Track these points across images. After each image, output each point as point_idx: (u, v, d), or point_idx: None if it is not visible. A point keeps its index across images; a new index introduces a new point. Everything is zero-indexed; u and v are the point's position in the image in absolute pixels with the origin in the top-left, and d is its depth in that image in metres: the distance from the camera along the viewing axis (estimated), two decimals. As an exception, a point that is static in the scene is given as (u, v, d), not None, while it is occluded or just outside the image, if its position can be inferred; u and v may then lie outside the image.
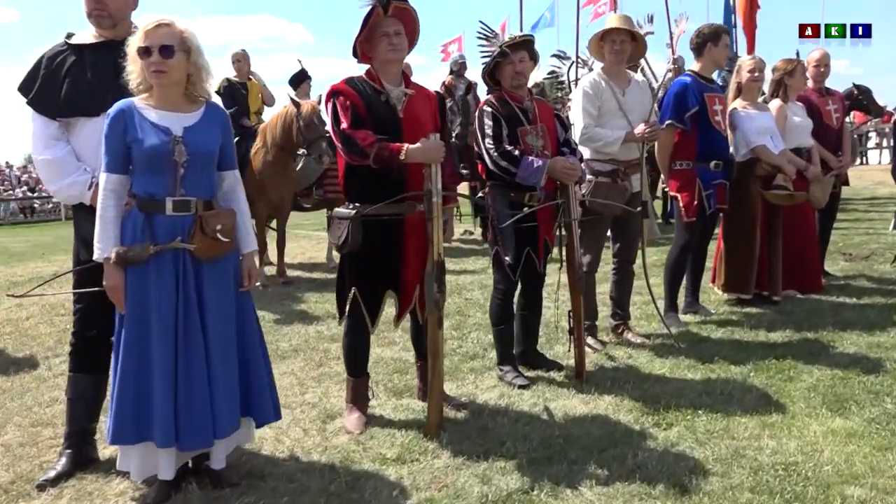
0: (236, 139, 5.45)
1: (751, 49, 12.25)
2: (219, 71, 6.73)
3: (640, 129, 4.30)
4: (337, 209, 3.42)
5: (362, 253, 3.28)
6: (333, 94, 3.29)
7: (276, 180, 7.02)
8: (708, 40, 4.88)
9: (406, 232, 3.31)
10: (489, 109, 3.88)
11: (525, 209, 3.78)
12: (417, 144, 3.14)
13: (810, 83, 5.98)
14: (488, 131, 3.82)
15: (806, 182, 5.35)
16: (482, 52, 10.93)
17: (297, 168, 7.04)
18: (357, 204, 3.29)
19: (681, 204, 4.91)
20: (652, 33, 12.27)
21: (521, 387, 3.79)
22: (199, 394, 2.62)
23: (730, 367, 3.93)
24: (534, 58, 4.00)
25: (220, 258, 2.73)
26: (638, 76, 4.61)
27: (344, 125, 3.19)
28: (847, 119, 6.55)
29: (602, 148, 4.36)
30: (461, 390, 3.83)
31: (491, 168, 3.80)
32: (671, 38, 12.70)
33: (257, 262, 6.54)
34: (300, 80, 8.73)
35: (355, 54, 3.37)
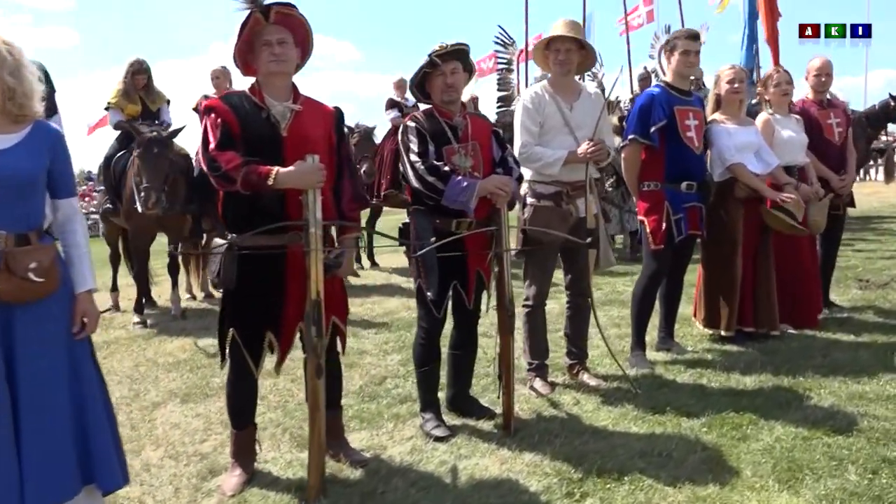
0: None
1: (776, 61, 11.56)
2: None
3: (582, 147, 3.84)
4: (215, 239, 3.05)
5: (240, 289, 2.90)
6: (206, 111, 2.93)
7: None
8: (667, 49, 4.39)
9: (288, 266, 2.92)
10: (413, 125, 3.47)
11: (451, 238, 3.36)
12: (290, 168, 2.75)
13: (810, 94, 5.42)
14: (413, 147, 3.41)
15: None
16: (499, 58, 10.29)
17: None
18: (233, 234, 2.92)
19: (647, 229, 4.41)
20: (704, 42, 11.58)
21: (437, 439, 3.36)
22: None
23: (681, 420, 3.42)
24: (468, 69, 3.58)
25: (38, 302, 2.37)
26: (591, 88, 4.13)
27: (211, 146, 2.83)
28: (883, 136, 5.84)
29: (542, 169, 3.91)
30: (373, 441, 3.41)
31: (416, 186, 3.38)
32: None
33: (105, 302, 6.21)
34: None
35: (237, 65, 3.01)
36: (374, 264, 9.22)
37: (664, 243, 4.34)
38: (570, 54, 3.92)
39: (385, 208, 9.13)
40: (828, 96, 5.48)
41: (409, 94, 9.22)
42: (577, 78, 4.10)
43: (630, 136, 4.40)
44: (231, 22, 2.92)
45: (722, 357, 4.41)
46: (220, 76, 7.61)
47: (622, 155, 4.48)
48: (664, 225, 4.32)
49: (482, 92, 11.41)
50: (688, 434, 3.25)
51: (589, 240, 3.91)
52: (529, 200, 4.00)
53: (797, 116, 5.15)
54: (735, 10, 12.05)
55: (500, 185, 3.36)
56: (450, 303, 3.51)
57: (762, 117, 4.99)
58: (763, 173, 4.60)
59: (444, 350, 3.65)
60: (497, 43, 10.00)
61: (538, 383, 4.01)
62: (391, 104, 9.15)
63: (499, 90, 10.13)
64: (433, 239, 3.34)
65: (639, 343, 4.45)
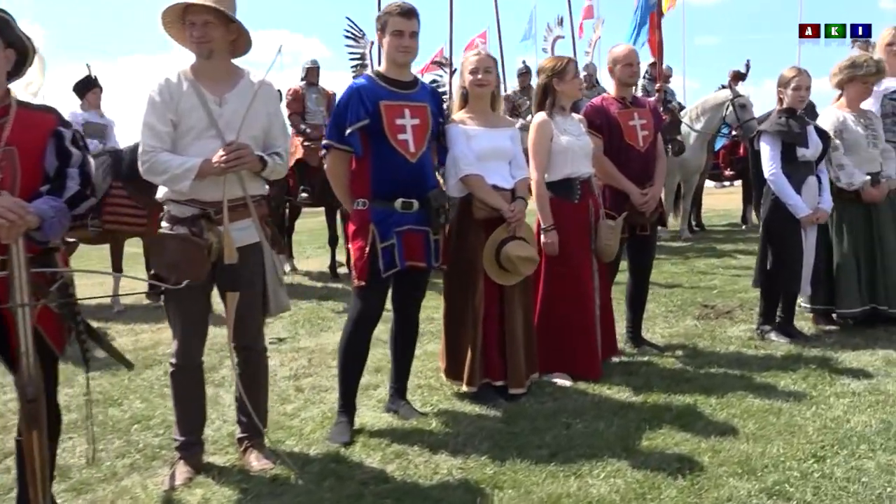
0: None
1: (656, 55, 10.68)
2: None
3: (217, 155, 2.85)
4: None
5: None
6: None
7: None
8: (378, 28, 3.42)
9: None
10: None
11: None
12: None
13: (612, 89, 4.48)
14: None
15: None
16: (350, 53, 8.57)
17: None
18: None
19: (352, 260, 3.43)
20: (562, 37, 10.65)
21: None
22: None
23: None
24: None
25: None
26: (256, 76, 3.10)
27: None
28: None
29: (169, 183, 2.91)
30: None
31: None
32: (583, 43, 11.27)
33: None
34: (87, 87, 7.44)
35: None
36: None
37: (367, 279, 3.35)
38: (208, 29, 2.91)
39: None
40: (635, 93, 4.56)
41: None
42: (235, 62, 3.09)
43: (325, 142, 3.43)
44: None
45: (444, 424, 3.44)
46: None
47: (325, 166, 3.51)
48: (367, 254, 3.34)
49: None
50: None
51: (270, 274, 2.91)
52: (164, 226, 3.01)
53: (579, 117, 4.21)
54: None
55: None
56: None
57: (538, 118, 4.05)
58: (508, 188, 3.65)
59: None
60: (347, 37, 9.00)
61: (181, 470, 3.00)
62: None
63: (356, 87, 9.14)
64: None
65: (345, 407, 3.45)
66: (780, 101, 4.52)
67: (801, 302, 4.89)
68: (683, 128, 9.99)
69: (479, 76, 3.65)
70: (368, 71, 9.46)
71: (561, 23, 10.91)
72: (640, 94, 11.40)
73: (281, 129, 3.16)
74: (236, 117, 2.91)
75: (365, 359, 3.49)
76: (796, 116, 4.47)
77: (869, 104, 4.91)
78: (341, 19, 8.83)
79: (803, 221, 4.40)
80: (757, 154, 4.53)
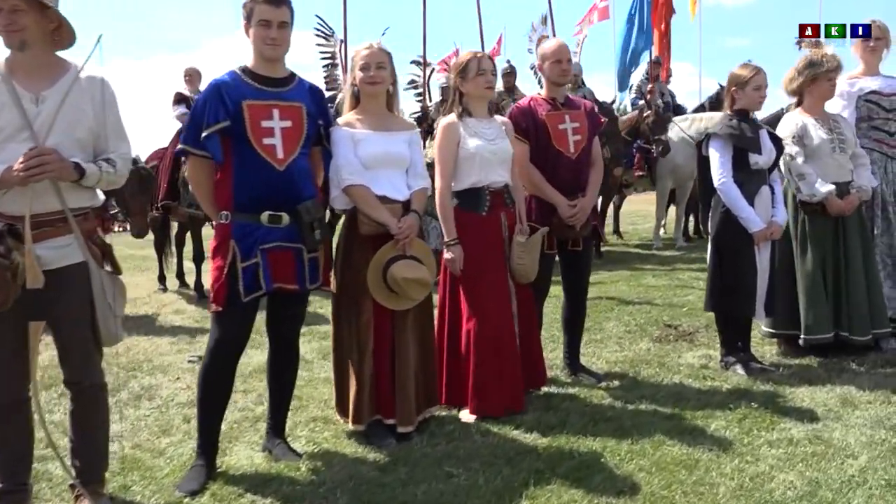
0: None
1: (660, 51, 10.18)
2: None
3: (18, 162, 2.45)
4: None
5: None
6: None
7: None
8: (244, 18, 3.01)
9: None
10: None
11: None
12: None
13: (544, 90, 4.02)
14: None
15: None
16: (321, 52, 8.32)
17: None
18: None
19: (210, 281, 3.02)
20: (546, 36, 10.25)
21: None
22: None
23: None
24: None
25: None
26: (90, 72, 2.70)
27: None
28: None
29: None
30: None
31: None
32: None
33: None
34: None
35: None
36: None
37: (224, 304, 2.93)
38: (17, 16, 2.50)
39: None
40: (567, 93, 4.10)
41: (203, 87, 7.97)
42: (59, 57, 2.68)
43: (179, 147, 3.02)
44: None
45: (313, 473, 3.01)
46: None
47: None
48: (225, 275, 2.93)
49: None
50: None
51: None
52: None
53: (503, 120, 3.77)
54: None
55: None
56: None
57: (443, 121, 3.61)
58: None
59: None
60: (318, 35, 8.65)
61: None
62: (179, 98, 7.78)
63: (327, 89, 8.77)
64: None
65: (204, 449, 3.02)
66: (732, 101, 4.03)
67: (763, 326, 4.38)
68: (676, 132, 9.49)
69: (371, 73, 3.22)
70: (338, 71, 9.22)
71: (545, 21, 10.42)
72: (633, 93, 10.93)
73: (116, 131, 2.74)
74: (61, 118, 2.52)
75: (227, 393, 3.08)
76: (748, 119, 3.97)
77: (840, 108, 4.39)
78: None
79: (756, 237, 3.90)
80: (705, 160, 4.03)
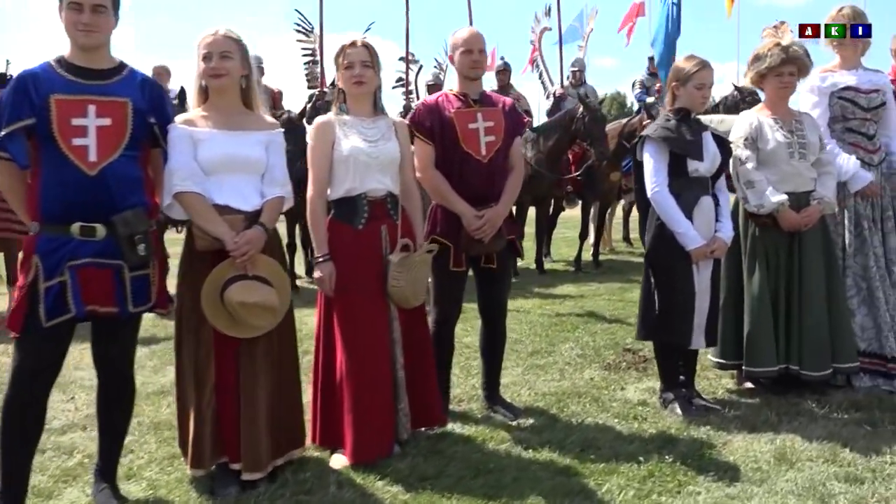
0: None
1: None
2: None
3: None
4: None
5: None
6: None
7: None
8: None
9: None
10: None
11: None
12: None
13: (456, 85, 3.54)
14: None
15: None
16: (302, 49, 8.01)
17: None
18: None
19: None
20: (549, 28, 9.67)
21: None
22: None
23: None
24: None
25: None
26: None
27: None
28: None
29: None
30: None
31: None
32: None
33: None
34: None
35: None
36: None
37: (21, 330, 2.52)
38: None
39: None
40: (483, 88, 3.60)
41: (172, 85, 7.67)
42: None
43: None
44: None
45: None
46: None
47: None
48: (24, 295, 2.52)
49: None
50: None
51: None
52: None
53: (399, 120, 3.30)
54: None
55: None
56: None
57: (319, 120, 3.16)
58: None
59: None
60: (298, 31, 8.28)
61: None
62: None
63: (308, 87, 8.40)
64: None
65: (6, 491, 2.62)
66: (673, 98, 3.48)
67: (710, 356, 3.81)
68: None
69: (213, 63, 2.79)
70: (319, 68, 8.82)
71: (548, 13, 9.89)
72: (637, 90, 10.25)
73: None
74: None
75: (37, 431, 2.66)
76: (689, 119, 3.42)
77: (811, 105, 3.80)
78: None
79: (693, 255, 3.34)
80: (640, 166, 3.49)
